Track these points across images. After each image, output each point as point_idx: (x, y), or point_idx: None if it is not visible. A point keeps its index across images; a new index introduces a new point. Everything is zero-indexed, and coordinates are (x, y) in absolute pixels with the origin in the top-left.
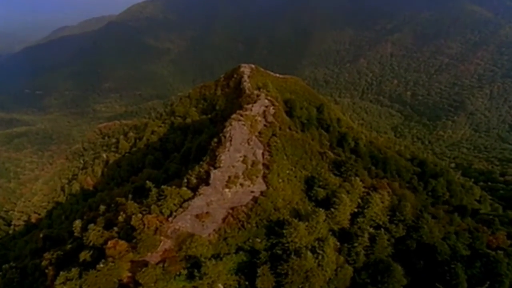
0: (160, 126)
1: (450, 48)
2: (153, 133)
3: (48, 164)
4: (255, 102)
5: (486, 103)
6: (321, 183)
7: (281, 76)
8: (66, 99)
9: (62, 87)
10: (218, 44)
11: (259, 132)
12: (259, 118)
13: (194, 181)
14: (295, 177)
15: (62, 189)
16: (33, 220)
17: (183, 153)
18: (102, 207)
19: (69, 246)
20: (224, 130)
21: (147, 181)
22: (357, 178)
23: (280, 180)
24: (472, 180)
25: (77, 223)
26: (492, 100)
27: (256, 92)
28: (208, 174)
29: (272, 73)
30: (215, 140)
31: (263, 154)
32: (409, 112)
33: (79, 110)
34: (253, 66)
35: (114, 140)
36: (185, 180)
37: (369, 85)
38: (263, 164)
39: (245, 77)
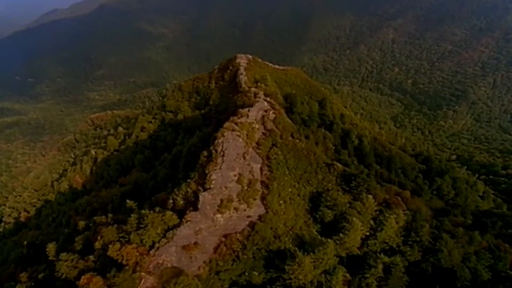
0: (150, 122)
1: (454, 34)
2: (142, 129)
3: (40, 156)
4: (252, 105)
5: (488, 92)
6: (328, 203)
7: (280, 67)
8: (59, 86)
9: (54, 74)
10: (214, 29)
11: (257, 143)
12: (257, 126)
13: (181, 202)
14: (298, 195)
15: (52, 185)
16: (22, 219)
17: (173, 156)
18: (82, 223)
19: (42, 274)
20: (216, 142)
21: (128, 201)
22: (370, 196)
23: (281, 201)
24: (476, 176)
25: (51, 247)
26: (495, 89)
27: (253, 89)
28: (196, 196)
29: (270, 64)
30: (205, 154)
31: (261, 169)
32: (409, 101)
33: (72, 98)
34: (250, 56)
35: (105, 133)
36: (171, 201)
37: (369, 73)
38: (262, 182)
39: (242, 69)
